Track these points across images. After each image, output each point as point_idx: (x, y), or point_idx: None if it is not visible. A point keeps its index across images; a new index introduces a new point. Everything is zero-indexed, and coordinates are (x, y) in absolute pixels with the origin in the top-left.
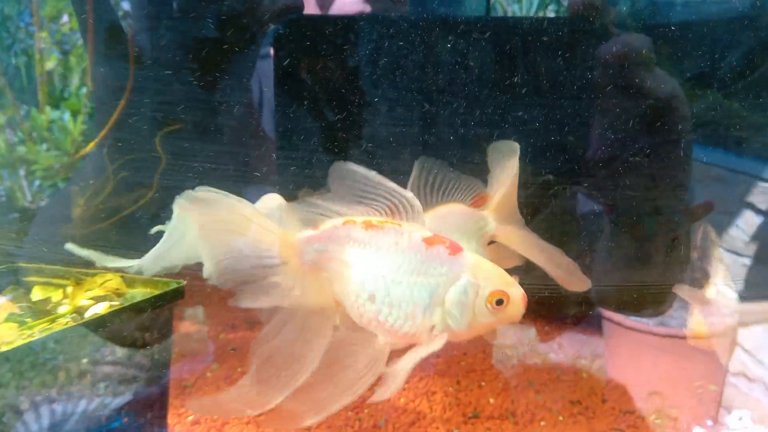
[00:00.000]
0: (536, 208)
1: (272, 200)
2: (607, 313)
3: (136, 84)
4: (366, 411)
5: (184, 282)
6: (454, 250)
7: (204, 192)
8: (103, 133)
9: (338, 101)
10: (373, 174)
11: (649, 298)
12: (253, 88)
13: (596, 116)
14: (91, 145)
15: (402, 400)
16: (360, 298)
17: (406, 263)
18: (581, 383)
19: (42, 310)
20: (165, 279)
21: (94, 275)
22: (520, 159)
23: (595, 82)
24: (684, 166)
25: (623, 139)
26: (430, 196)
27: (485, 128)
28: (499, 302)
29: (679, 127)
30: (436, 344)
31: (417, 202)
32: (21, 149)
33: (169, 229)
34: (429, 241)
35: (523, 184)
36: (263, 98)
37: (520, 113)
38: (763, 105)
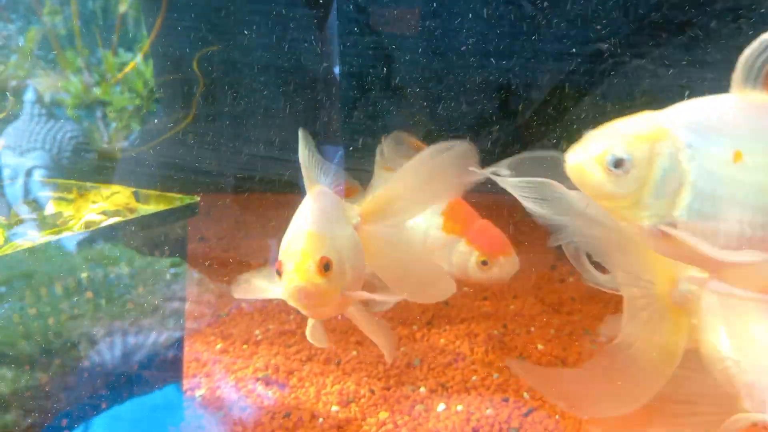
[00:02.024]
0: None
1: None
2: None
3: None
4: (401, 349)
5: (198, 198)
6: None
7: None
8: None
9: None
10: None
11: None
12: None
13: None
14: (130, 67)
15: (442, 340)
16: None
17: None
18: None
19: (52, 224)
20: (178, 195)
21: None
22: None
23: None
24: None
25: None
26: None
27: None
28: None
29: None
30: None
31: None
32: (96, 91)
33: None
34: None
35: None
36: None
37: None
38: None
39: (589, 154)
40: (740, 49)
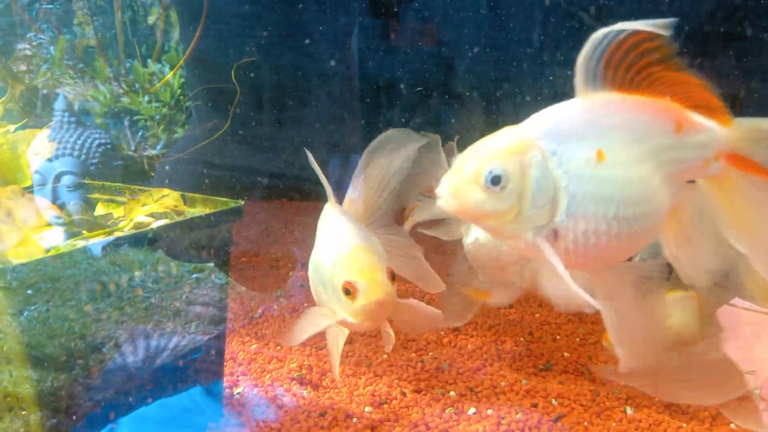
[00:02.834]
0: None
1: None
2: None
3: None
4: (430, 354)
5: (242, 202)
6: None
7: None
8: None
9: None
10: None
11: None
12: None
13: None
14: (166, 78)
15: (469, 346)
16: None
17: None
18: None
19: (101, 224)
20: (223, 198)
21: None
22: None
23: None
24: None
25: None
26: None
27: None
28: None
29: None
30: None
31: None
32: (124, 100)
33: None
34: None
35: None
36: None
37: None
38: None
39: (465, 175)
40: None
